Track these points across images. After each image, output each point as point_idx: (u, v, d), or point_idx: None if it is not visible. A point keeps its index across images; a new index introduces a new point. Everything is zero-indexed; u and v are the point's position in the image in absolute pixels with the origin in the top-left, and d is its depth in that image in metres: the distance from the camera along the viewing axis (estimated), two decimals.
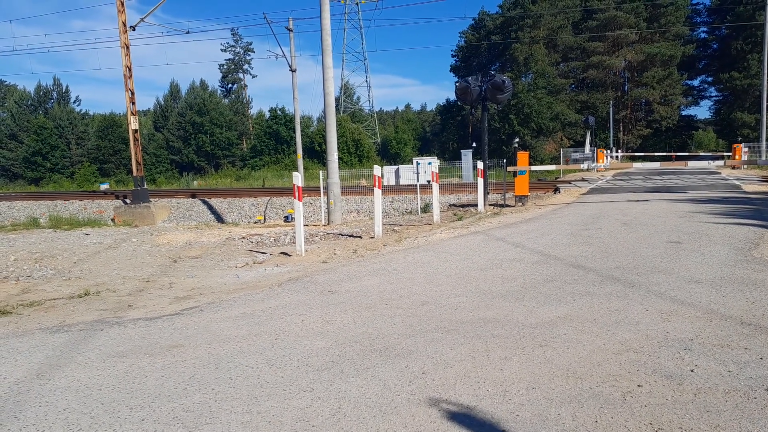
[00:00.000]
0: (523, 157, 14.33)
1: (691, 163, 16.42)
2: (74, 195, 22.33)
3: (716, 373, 3.29)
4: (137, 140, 18.90)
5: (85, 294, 6.50)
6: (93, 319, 5.23)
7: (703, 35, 55.67)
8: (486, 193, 13.87)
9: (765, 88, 31.02)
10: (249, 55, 71.74)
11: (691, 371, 3.33)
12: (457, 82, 14.49)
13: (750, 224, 8.68)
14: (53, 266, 8.77)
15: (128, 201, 19.92)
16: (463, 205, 15.83)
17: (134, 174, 19.02)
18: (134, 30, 19.58)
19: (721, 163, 16.87)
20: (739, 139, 40.28)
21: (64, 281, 7.58)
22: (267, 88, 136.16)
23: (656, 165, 18.38)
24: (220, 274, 7.68)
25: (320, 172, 16.11)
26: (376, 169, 10.50)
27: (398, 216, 15.99)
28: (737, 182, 17.42)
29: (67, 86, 68.19)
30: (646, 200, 12.77)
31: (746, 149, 28.20)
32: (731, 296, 4.89)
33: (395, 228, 11.51)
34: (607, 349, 3.75)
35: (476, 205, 13.70)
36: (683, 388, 3.10)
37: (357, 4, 62.59)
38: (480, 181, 13.44)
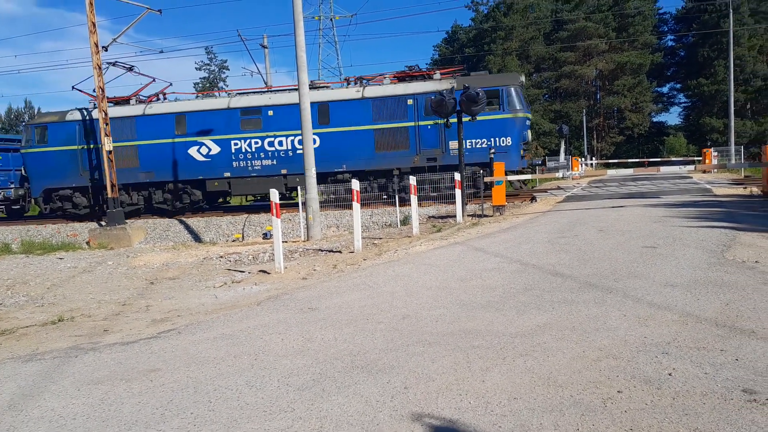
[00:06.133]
0: (499, 167, 14.46)
1: (664, 169, 16.77)
2: (47, 218, 21.92)
3: (693, 375, 3.33)
4: (112, 161, 18.65)
5: (59, 320, 6.36)
6: (67, 345, 5.12)
7: (670, 43, 57.07)
8: (464, 204, 13.95)
9: (731, 94, 31.92)
10: (224, 72, 71.42)
11: (669, 375, 3.36)
12: (432, 95, 14.61)
13: (722, 227, 8.86)
14: (25, 293, 8.57)
15: (103, 223, 19.62)
16: (442, 217, 15.88)
17: (109, 195, 18.76)
18: (106, 50, 19.36)
19: (692, 167, 17.29)
20: (709, 143, 41.25)
21: (37, 308, 7.41)
22: None
23: (630, 171, 18.68)
24: (198, 294, 7.58)
25: (298, 187, 16.05)
26: (354, 183, 10.50)
27: (378, 229, 15.98)
28: (708, 186, 17.79)
29: (39, 108, 67.26)
30: (621, 206, 12.97)
31: (716, 153, 28.93)
32: (706, 299, 4.97)
33: (375, 241, 11.50)
34: (587, 356, 3.77)
35: (455, 216, 13.76)
36: (662, 392, 3.13)
37: (331, 20, 62.83)
38: (458, 192, 13.51)
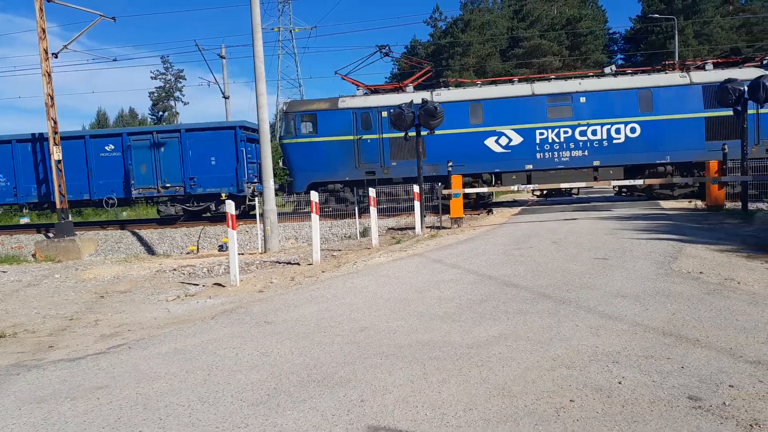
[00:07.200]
0: (457, 180, 14.65)
1: (614, 182, 17.25)
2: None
3: (642, 383, 3.43)
4: (61, 171, 18.03)
5: (0, 336, 6.06)
6: (9, 363, 4.88)
7: (620, 62, 59.25)
8: (423, 216, 14.05)
9: None
10: (180, 82, 70.17)
11: (619, 383, 3.45)
12: (391, 109, 14.70)
13: (669, 239, 9.19)
14: None
15: (51, 235, 18.89)
16: (401, 229, 15.95)
17: (58, 206, 18.10)
18: (57, 57, 18.74)
19: (641, 182, 17.88)
20: None
21: None
22: (200, 115, 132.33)
23: (582, 184, 19.20)
24: (150, 308, 7.36)
25: (256, 198, 15.85)
26: (314, 195, 10.44)
27: (337, 241, 15.91)
28: (657, 199, 18.43)
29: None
30: (574, 219, 13.30)
31: None
32: (654, 309, 5.13)
33: (334, 253, 11.44)
34: (541, 366, 3.83)
35: (414, 228, 13.84)
36: (612, 401, 3.21)
37: (290, 31, 62.65)
38: (417, 204, 13.61)
